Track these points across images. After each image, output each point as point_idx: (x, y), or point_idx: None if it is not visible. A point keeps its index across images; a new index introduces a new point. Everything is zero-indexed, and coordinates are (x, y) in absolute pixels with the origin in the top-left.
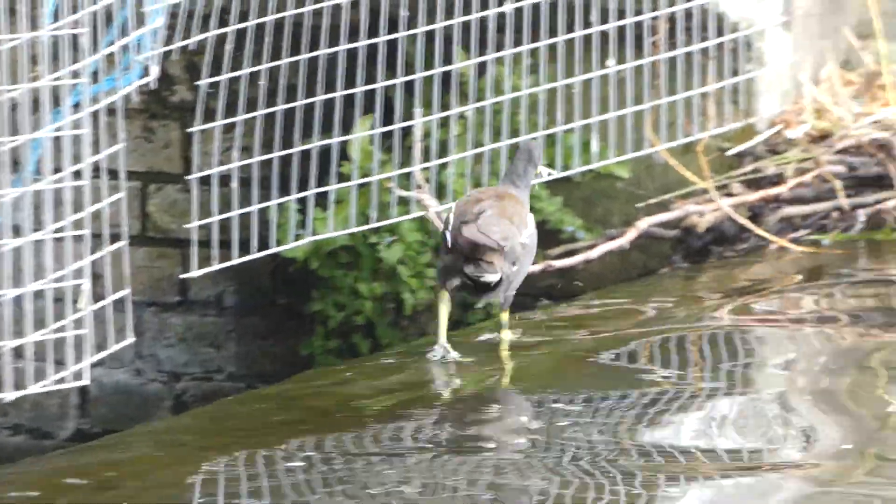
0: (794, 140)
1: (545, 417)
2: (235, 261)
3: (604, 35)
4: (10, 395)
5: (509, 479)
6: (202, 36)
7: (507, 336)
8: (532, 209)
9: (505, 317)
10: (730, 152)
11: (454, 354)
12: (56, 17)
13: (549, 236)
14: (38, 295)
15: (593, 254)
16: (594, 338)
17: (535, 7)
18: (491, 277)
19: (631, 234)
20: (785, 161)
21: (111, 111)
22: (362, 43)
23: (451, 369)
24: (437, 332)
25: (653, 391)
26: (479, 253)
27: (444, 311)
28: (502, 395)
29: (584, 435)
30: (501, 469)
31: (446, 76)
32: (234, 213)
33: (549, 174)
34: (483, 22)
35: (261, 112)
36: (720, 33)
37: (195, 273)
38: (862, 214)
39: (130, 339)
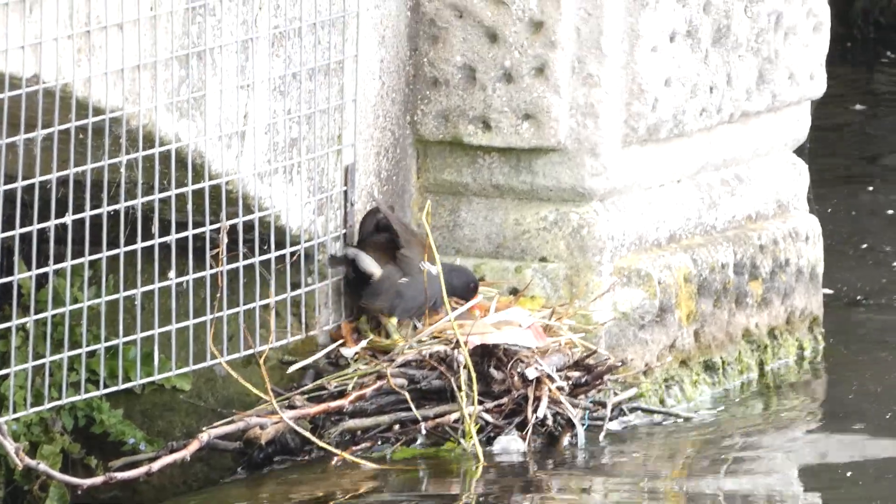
0: (355, 354)
1: None
2: None
3: (165, 247)
4: None
5: None
6: None
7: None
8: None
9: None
10: (291, 369)
11: None
12: None
13: (110, 448)
14: None
15: (155, 466)
16: None
17: (97, 218)
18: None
19: (193, 446)
20: (346, 376)
21: None
22: None
23: None
24: None
25: None
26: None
27: None
28: None
29: None
30: None
31: (6, 287)
32: None
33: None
34: (43, 233)
35: None
36: (281, 245)
37: None
38: (423, 428)
39: None
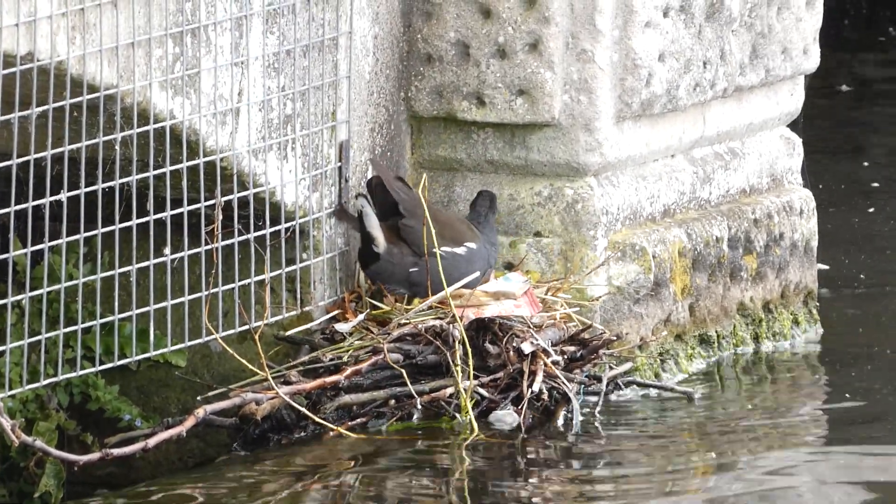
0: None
1: None
2: None
3: (160, 223)
4: None
5: None
6: None
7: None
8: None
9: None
10: (289, 332)
11: None
12: None
13: (106, 425)
14: None
15: (151, 442)
16: None
17: (92, 195)
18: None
19: (189, 422)
20: (342, 350)
21: None
22: None
23: None
24: None
25: None
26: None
27: None
28: None
29: None
30: None
31: (2, 264)
32: None
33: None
34: (39, 210)
35: None
36: (276, 221)
37: None
38: (419, 402)
39: None
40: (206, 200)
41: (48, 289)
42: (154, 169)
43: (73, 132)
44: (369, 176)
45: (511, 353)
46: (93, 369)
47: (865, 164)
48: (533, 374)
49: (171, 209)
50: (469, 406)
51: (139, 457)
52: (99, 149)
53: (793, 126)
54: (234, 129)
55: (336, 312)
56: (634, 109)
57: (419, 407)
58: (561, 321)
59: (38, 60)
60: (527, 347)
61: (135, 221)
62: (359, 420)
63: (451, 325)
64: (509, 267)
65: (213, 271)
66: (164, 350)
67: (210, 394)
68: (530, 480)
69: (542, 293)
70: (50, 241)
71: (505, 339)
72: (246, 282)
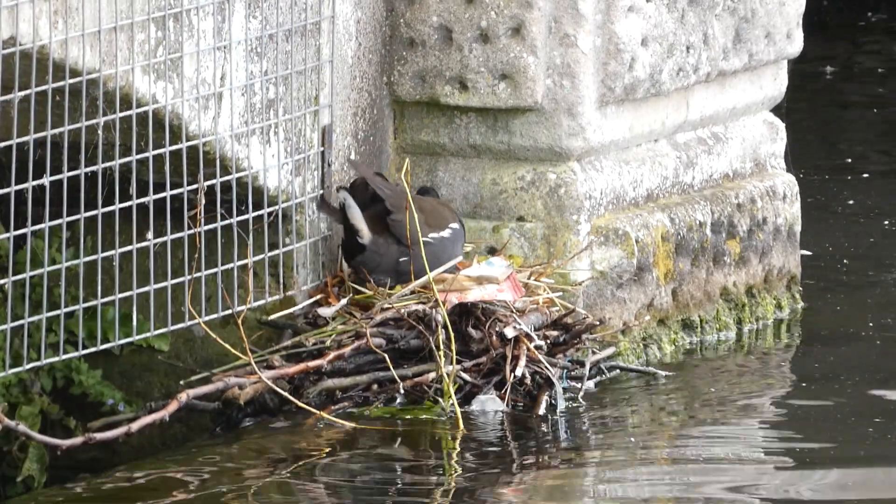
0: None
1: None
2: None
3: (143, 208)
4: None
5: None
6: None
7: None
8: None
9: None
10: (272, 317)
11: None
12: None
13: (89, 409)
14: None
15: (134, 427)
16: None
17: (74, 180)
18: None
19: (172, 406)
20: (324, 334)
21: None
22: None
23: None
24: None
25: None
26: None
27: None
28: None
29: None
30: None
31: None
32: None
33: None
34: (21, 195)
35: None
36: (259, 206)
37: None
38: (402, 387)
39: None
40: (188, 185)
41: (31, 273)
42: (137, 153)
43: (56, 116)
44: (349, 179)
45: (494, 337)
46: (76, 353)
47: (848, 148)
48: (516, 358)
49: (154, 194)
50: (452, 391)
51: (122, 441)
52: (81, 133)
53: (776, 110)
54: (216, 113)
55: (319, 297)
56: (617, 94)
57: (402, 391)
58: (544, 306)
59: (20, 44)
60: (510, 332)
61: (118, 206)
62: (341, 404)
63: (433, 310)
64: (492, 251)
65: (196, 256)
66: (147, 334)
67: (193, 378)
68: (514, 463)
69: (525, 278)
70: (33, 225)
71: (488, 324)
72: (229, 266)
